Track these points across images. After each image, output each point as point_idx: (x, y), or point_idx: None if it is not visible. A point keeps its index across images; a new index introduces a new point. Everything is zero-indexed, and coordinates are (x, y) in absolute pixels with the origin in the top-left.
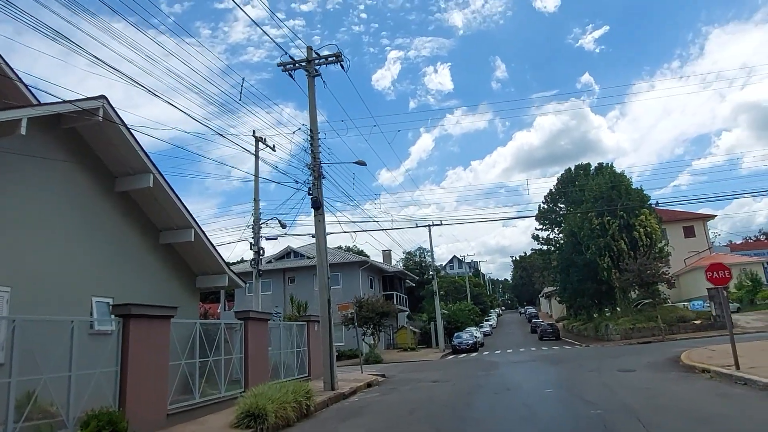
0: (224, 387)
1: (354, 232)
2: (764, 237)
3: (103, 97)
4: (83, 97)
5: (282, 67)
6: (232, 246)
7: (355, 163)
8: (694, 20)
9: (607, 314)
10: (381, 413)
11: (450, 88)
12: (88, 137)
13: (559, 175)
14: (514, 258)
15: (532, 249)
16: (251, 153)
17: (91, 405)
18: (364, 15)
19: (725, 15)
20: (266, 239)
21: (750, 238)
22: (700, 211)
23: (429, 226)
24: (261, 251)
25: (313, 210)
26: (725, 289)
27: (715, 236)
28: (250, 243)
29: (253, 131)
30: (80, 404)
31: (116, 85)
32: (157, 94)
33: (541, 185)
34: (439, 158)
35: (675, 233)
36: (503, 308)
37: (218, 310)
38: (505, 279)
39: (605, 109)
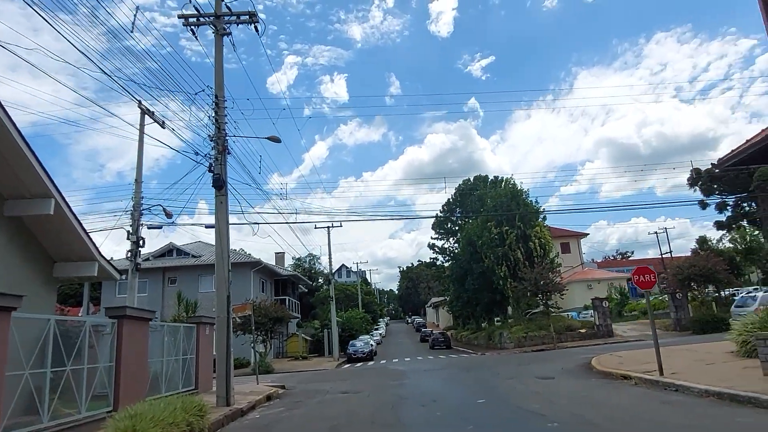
0: (85, 405)
1: (255, 224)
2: (620, 257)
3: None
4: None
5: (183, 21)
6: (99, 241)
7: (268, 138)
8: (566, 60)
9: (497, 323)
10: None
11: (345, 98)
12: None
13: (457, 184)
14: (401, 268)
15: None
16: (136, 104)
17: None
18: (263, 15)
19: (591, 59)
20: (148, 228)
21: (609, 257)
22: (574, 230)
23: (328, 227)
24: (141, 242)
25: (214, 189)
26: (649, 294)
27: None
28: (128, 232)
29: (139, 102)
30: None
31: None
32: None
33: (428, 199)
34: (333, 167)
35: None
36: (389, 318)
37: (80, 314)
38: (390, 289)
39: (488, 132)
